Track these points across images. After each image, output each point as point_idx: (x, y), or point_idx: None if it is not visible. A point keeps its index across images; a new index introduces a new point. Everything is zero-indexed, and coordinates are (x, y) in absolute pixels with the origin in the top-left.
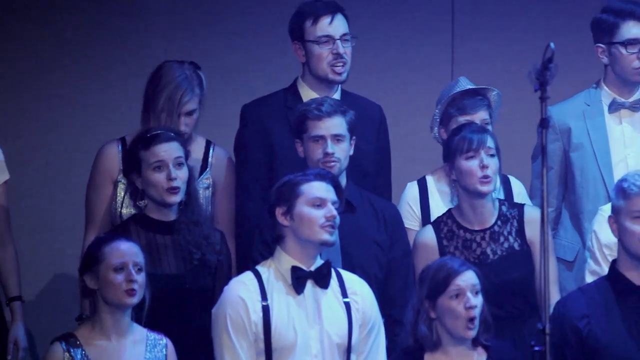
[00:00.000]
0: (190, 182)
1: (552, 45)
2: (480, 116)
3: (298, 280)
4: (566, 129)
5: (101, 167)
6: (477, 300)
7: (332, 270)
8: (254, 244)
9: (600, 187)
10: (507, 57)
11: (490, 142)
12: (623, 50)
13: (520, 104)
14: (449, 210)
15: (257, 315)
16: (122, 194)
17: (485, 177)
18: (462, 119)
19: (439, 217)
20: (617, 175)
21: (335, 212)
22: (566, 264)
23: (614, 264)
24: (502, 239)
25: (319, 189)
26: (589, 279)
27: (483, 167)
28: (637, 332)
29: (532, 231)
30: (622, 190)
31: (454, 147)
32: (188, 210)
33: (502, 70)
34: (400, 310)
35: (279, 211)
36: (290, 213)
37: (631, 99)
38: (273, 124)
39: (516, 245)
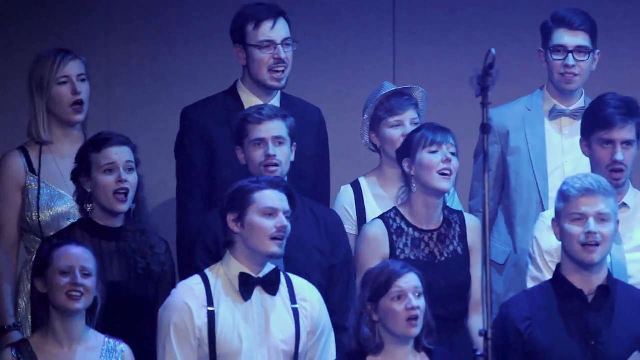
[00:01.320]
0: (139, 189)
1: (493, 50)
2: (409, 115)
3: (246, 287)
4: (505, 132)
5: (6, 178)
6: (420, 302)
7: (282, 276)
8: (197, 253)
9: (534, 192)
10: (448, 62)
11: (452, 141)
12: (550, 57)
13: (461, 109)
14: (395, 208)
15: (201, 321)
16: (36, 198)
17: (446, 171)
18: (393, 120)
19: (385, 214)
20: (553, 182)
21: (286, 222)
22: (497, 267)
23: (558, 268)
24: (447, 241)
25: (271, 198)
26: (530, 284)
27: (446, 160)
28: (579, 335)
29: (473, 238)
30: (562, 194)
31: (416, 142)
32: (135, 218)
33: (444, 75)
34: (343, 316)
35: (230, 217)
36: (242, 220)
37: (572, 107)
38: (214, 127)
39: (459, 250)
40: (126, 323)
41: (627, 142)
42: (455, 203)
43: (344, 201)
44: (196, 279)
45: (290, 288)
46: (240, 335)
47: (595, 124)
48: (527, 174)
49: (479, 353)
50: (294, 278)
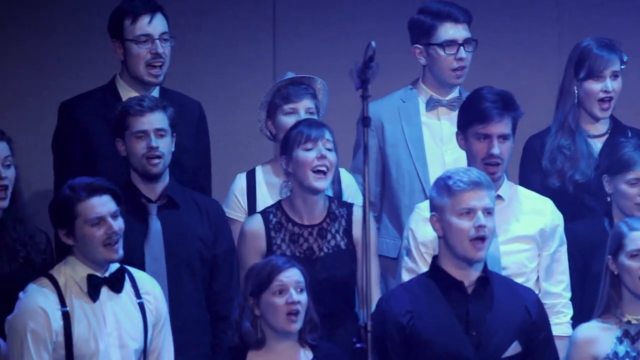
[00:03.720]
0: (16, 181)
1: (373, 43)
2: (305, 104)
3: (93, 288)
4: (381, 125)
5: None
6: (301, 297)
7: (125, 272)
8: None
9: (416, 182)
10: (328, 55)
11: (328, 136)
12: (441, 52)
13: (342, 102)
14: (279, 202)
15: (57, 324)
16: None
17: (322, 170)
18: (288, 107)
19: (267, 208)
20: (433, 171)
21: (115, 227)
22: (391, 261)
23: (435, 260)
24: (329, 236)
25: (94, 206)
26: (405, 276)
27: (321, 157)
28: (460, 326)
29: (359, 231)
30: (446, 187)
31: (292, 140)
32: (13, 208)
33: (324, 68)
34: (224, 306)
35: (61, 233)
36: (73, 234)
37: (448, 97)
38: (92, 122)
39: (342, 244)
40: (5, 317)
41: (504, 136)
42: (351, 190)
43: (235, 188)
44: (44, 281)
45: (133, 282)
46: (95, 336)
47: (472, 118)
48: (407, 165)
49: (358, 345)
50: (135, 272)
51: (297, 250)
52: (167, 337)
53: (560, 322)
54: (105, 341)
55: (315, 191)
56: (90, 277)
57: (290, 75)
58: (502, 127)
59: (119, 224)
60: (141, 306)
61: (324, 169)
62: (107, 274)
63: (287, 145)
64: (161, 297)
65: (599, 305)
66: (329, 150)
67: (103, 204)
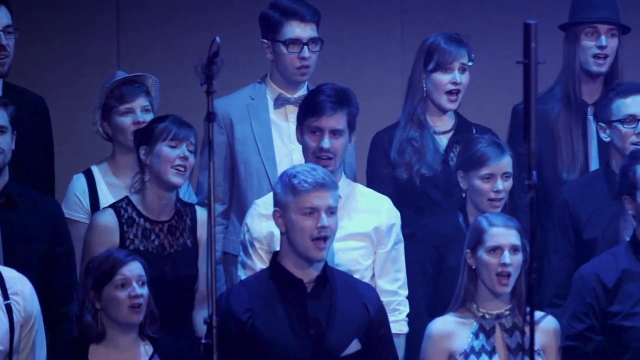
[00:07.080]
0: None
1: (217, 39)
2: (140, 103)
3: None
4: (230, 122)
5: None
6: (143, 290)
7: None
8: None
9: (264, 180)
10: (173, 51)
11: (193, 139)
12: (284, 50)
13: (187, 97)
14: (127, 197)
15: None
16: None
17: (181, 167)
18: (123, 108)
19: (116, 202)
20: (282, 169)
21: None
22: (235, 259)
23: (275, 257)
24: (177, 233)
25: None
26: (241, 272)
27: (183, 157)
28: (299, 324)
29: (202, 232)
30: (291, 186)
31: (158, 133)
32: None
33: (168, 63)
34: (66, 304)
35: None
36: None
37: (296, 95)
38: None
39: (189, 243)
40: None
41: (336, 131)
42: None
43: (75, 189)
44: None
45: (2, 283)
46: None
47: (306, 111)
48: (256, 163)
49: (203, 341)
50: (4, 270)
51: (149, 246)
52: (38, 335)
53: (396, 320)
54: None
55: (172, 187)
56: None
57: (121, 74)
58: (333, 121)
59: None
60: (8, 307)
61: (182, 169)
62: None
63: (149, 136)
64: (31, 296)
65: (455, 299)
66: (191, 152)
67: None
